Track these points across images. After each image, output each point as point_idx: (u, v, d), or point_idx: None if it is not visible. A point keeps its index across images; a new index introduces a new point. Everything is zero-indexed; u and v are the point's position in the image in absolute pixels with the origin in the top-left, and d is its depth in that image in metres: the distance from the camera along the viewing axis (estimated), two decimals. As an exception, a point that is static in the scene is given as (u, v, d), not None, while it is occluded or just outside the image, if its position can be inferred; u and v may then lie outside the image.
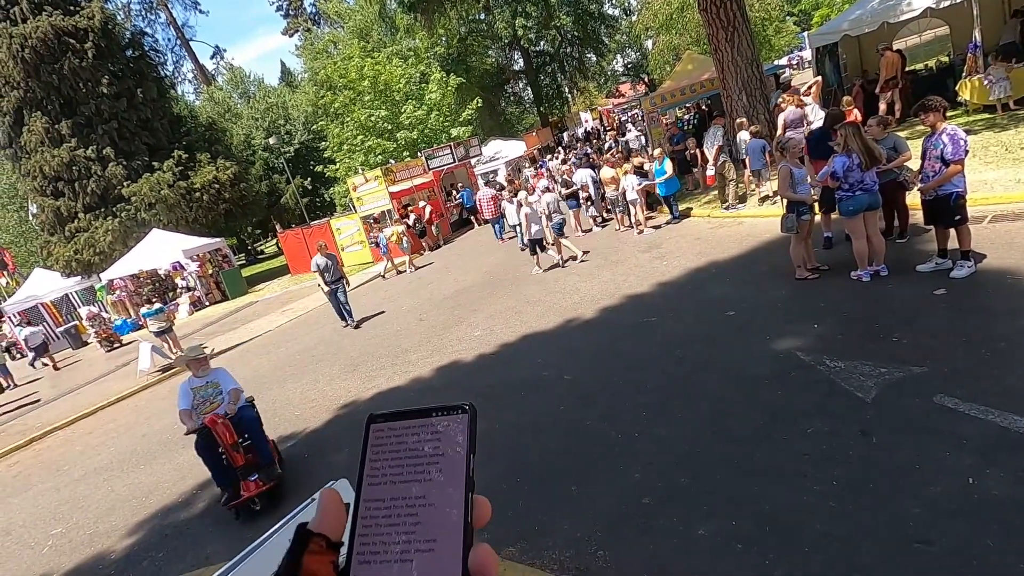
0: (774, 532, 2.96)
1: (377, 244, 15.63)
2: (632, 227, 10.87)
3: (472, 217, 19.38)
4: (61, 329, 19.90)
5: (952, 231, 5.21)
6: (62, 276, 22.26)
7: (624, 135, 23.39)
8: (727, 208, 10.03)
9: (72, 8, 22.31)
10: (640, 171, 11.37)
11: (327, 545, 0.46)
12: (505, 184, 17.23)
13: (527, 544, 3.44)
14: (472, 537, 0.45)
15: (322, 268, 10.01)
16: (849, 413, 3.73)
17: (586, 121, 40.36)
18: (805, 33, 42.30)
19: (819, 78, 12.01)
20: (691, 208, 11.05)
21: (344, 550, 0.47)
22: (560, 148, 27.79)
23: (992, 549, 2.52)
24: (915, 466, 3.11)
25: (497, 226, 15.55)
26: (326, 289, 10.17)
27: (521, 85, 41.40)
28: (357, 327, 10.25)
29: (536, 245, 10.32)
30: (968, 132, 5.17)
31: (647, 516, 3.38)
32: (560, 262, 10.23)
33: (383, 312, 10.67)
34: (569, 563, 3.20)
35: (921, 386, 3.77)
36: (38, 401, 12.79)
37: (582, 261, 10.02)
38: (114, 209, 22.40)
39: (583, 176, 12.03)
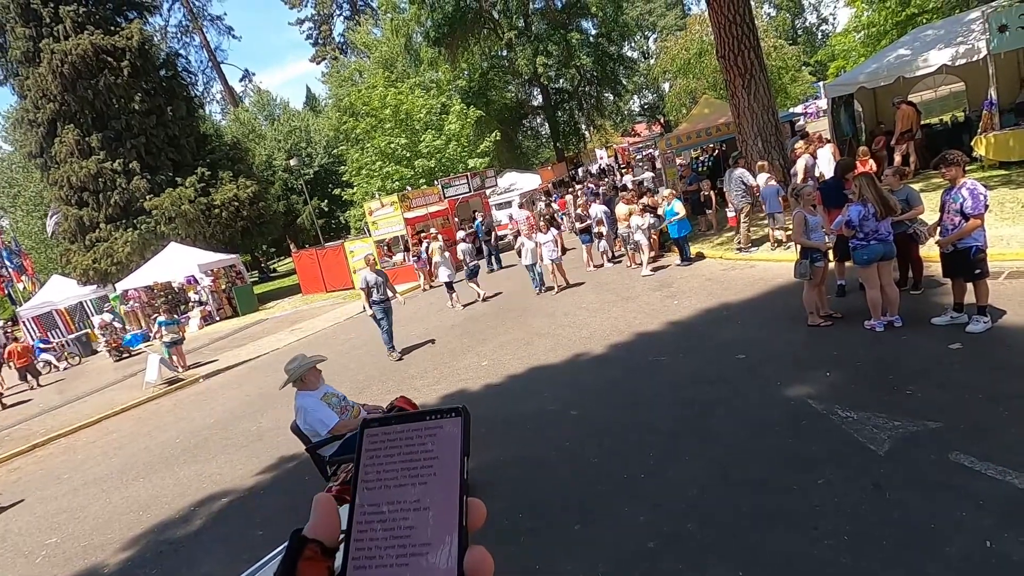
0: (783, 585, 2.88)
1: (419, 258, 15.92)
2: (647, 263, 10.88)
3: (484, 245, 19.51)
4: (72, 336, 20.07)
5: (969, 285, 5.19)
6: (78, 284, 22.59)
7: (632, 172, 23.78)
8: (740, 250, 10.04)
9: (112, 28, 23.25)
10: (651, 211, 11.48)
11: (322, 551, 0.46)
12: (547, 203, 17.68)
13: (528, 583, 3.37)
14: (467, 539, 0.45)
15: (371, 285, 9.05)
16: (862, 465, 3.66)
17: (601, 158, 40.95)
18: (821, 83, 43.12)
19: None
20: (703, 252, 11.05)
21: (340, 555, 0.47)
22: (575, 183, 28.13)
23: (1011, 617, 2.43)
24: (930, 524, 3.03)
25: None
26: (369, 312, 9.24)
27: (539, 120, 42.26)
28: (400, 359, 9.27)
29: (449, 287, 12.17)
30: (984, 187, 5.19)
31: (653, 560, 3.30)
32: (480, 299, 12.17)
33: (431, 341, 9.69)
34: (570, 605, 3.12)
35: (936, 442, 3.70)
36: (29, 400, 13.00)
37: (483, 301, 12.06)
38: (135, 221, 22.85)
39: (597, 211, 12.14)
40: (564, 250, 11.34)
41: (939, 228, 5.34)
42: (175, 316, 12.96)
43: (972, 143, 10.87)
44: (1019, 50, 10.72)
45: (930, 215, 6.03)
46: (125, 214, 23.07)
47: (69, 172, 22.57)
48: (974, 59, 10.62)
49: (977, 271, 5.08)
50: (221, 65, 45.81)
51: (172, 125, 23.89)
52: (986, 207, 5.05)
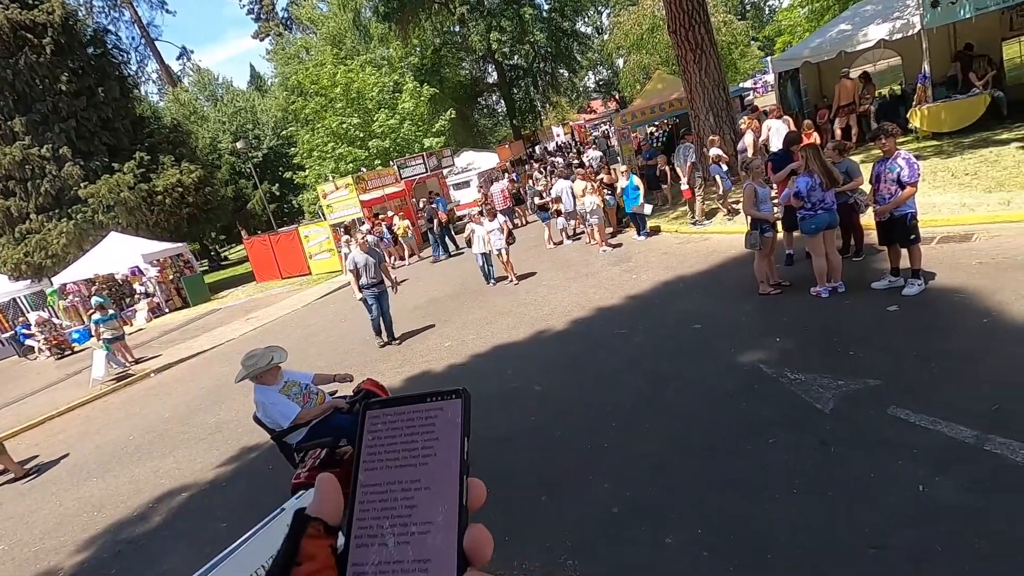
0: (739, 540, 3.04)
1: (381, 238, 15.50)
2: (599, 243, 11.01)
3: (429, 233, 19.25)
4: (7, 335, 18.89)
5: (904, 251, 5.49)
6: (10, 280, 21.20)
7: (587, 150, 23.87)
8: (695, 224, 10.29)
9: (31, 2, 21.49)
10: (609, 188, 11.59)
11: (325, 529, 0.46)
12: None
13: (496, 554, 3.41)
14: (467, 518, 0.46)
15: (360, 267, 8.08)
16: (809, 424, 3.87)
17: (558, 135, 40.91)
18: (768, 58, 44.08)
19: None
20: (659, 226, 11.26)
21: (342, 534, 0.48)
22: (533, 161, 28.06)
23: (940, 554, 2.65)
24: (870, 475, 3.24)
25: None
26: (359, 296, 8.27)
27: (495, 98, 41.74)
28: (399, 342, 8.53)
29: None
30: (918, 158, 5.48)
31: (616, 526, 3.42)
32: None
33: (432, 326, 8.92)
34: (538, 572, 3.20)
35: (876, 398, 3.94)
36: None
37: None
38: (69, 211, 21.52)
39: (560, 188, 12.14)
40: (512, 237, 10.43)
41: (876, 197, 5.61)
42: (110, 311, 12.24)
43: (908, 115, 11.38)
44: (951, 25, 11.25)
45: (868, 186, 6.32)
46: (58, 203, 21.70)
47: (-9, 159, 20.99)
48: (909, 34, 11.06)
49: (912, 236, 5.38)
50: (155, 42, 43.14)
51: (104, 107, 22.45)
52: (919, 175, 5.34)
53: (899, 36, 11.35)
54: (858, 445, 3.53)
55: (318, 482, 0.49)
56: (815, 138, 9.78)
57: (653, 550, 3.14)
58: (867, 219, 6.73)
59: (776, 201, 6.88)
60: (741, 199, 6.82)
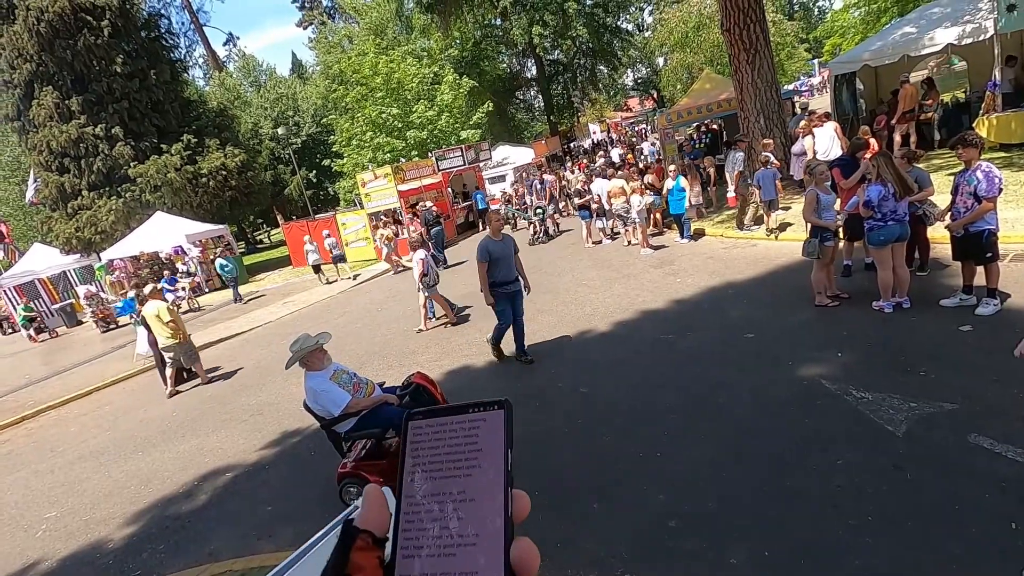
0: (810, 565, 2.89)
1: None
2: (641, 243, 10.80)
3: (481, 220, 19.27)
4: (56, 307, 19.64)
5: (980, 268, 5.20)
6: (61, 253, 22.01)
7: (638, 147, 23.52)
8: (744, 229, 10.00)
9: (91, -15, 22.16)
10: (652, 188, 11.36)
11: (373, 541, 0.47)
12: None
13: (550, 561, 3.35)
14: (513, 531, 0.46)
15: (494, 257, 6.15)
16: (880, 446, 3.68)
17: (594, 133, 40.48)
18: (815, 60, 42.72)
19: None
20: (703, 229, 10.99)
21: (389, 545, 0.48)
22: (568, 158, 27.84)
23: (1040, 598, 2.46)
24: (954, 506, 3.05)
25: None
26: (490, 300, 6.30)
27: (532, 93, 41.51)
28: (530, 361, 6.59)
29: (317, 269, 15.70)
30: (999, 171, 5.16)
31: (675, 539, 3.30)
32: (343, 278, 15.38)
33: (469, 318, 7.93)
34: (595, 584, 3.11)
35: (954, 423, 3.72)
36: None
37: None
38: (119, 189, 22.21)
39: (599, 187, 11.99)
40: (429, 277, 8.67)
41: (952, 210, 5.32)
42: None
43: (974, 124, 10.82)
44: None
45: (938, 197, 6.01)
46: (108, 181, 22.41)
47: (48, 136, 21.79)
48: (980, 39, 10.52)
49: (988, 254, 5.09)
50: (204, 28, 44.18)
51: (156, 89, 23.05)
52: (1000, 190, 5.04)
53: (969, 41, 10.80)
54: (937, 473, 3.33)
55: (365, 494, 0.51)
56: (872, 145, 9.39)
57: (717, 569, 3.01)
58: (934, 232, 6.42)
59: (839, 209, 6.60)
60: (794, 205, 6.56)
